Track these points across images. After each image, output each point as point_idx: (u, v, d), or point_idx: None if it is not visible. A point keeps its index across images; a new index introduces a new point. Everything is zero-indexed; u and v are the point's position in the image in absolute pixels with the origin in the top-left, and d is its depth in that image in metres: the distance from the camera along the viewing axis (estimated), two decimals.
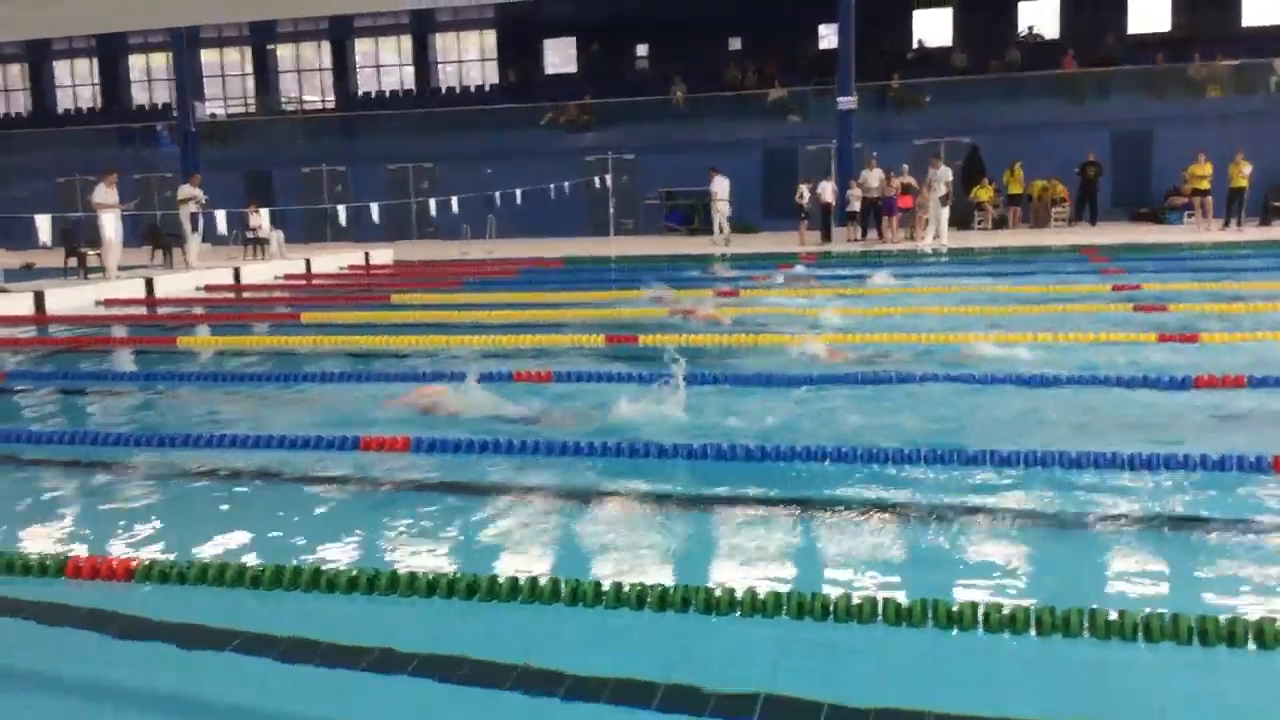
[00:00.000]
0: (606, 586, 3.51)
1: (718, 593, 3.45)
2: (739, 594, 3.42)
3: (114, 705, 3.35)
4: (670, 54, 33.53)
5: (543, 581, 3.56)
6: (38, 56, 38.25)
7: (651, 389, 7.89)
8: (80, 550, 4.59)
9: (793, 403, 7.38)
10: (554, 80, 34.83)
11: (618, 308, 13.58)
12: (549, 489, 5.52)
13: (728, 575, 4.21)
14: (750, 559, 4.44)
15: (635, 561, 4.42)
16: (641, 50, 35.11)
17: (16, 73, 39.33)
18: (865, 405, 7.15)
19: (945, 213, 22.66)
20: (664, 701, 3.09)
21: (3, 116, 39.11)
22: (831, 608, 3.36)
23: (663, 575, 4.25)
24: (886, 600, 3.39)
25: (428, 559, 4.49)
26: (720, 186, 25.00)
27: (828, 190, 24.85)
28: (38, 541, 4.86)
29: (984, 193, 26.58)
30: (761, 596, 3.41)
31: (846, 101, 26.12)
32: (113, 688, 3.44)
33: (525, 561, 4.49)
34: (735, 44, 33.93)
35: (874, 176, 24.25)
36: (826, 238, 24.65)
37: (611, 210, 26.01)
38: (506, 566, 4.36)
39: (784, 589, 3.54)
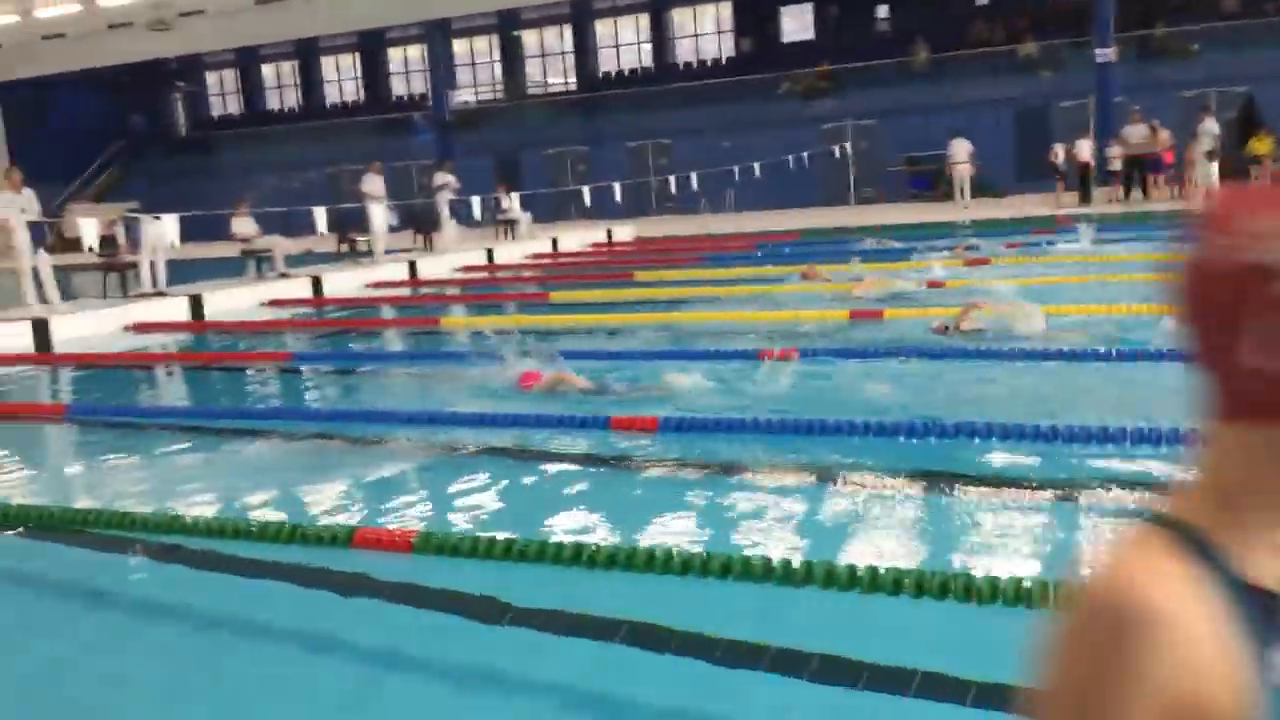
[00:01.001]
0: (862, 570, 3.51)
1: (980, 578, 3.38)
2: (1003, 582, 3.35)
3: (389, 669, 3.63)
4: (912, 14, 32.44)
5: (795, 562, 3.59)
6: (306, 54, 41.08)
7: (892, 364, 7.80)
8: (365, 522, 4.98)
9: (1045, 376, 7.10)
10: (791, 48, 34.43)
11: (859, 280, 13.36)
12: (795, 467, 5.53)
13: (982, 559, 4.12)
14: (1011, 542, 4.32)
15: (882, 543, 4.39)
16: (882, 12, 34.18)
17: (288, 70, 42.36)
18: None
19: (1214, 169, 21.01)
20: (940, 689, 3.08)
21: (277, 112, 42.27)
22: None
23: (909, 558, 4.20)
24: None
25: (677, 536, 4.61)
26: (959, 149, 24.16)
27: (1085, 149, 23.48)
28: (327, 514, 5.31)
29: (1261, 146, 24.41)
30: (1029, 585, 3.32)
31: (1104, 53, 24.60)
32: (390, 652, 3.73)
33: (769, 540, 4.54)
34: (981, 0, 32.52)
35: (1136, 132, 22.72)
36: (1085, 199, 23.35)
37: (852, 178, 25.56)
38: (753, 545, 4.42)
39: (1047, 579, 3.43)
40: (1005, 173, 27.63)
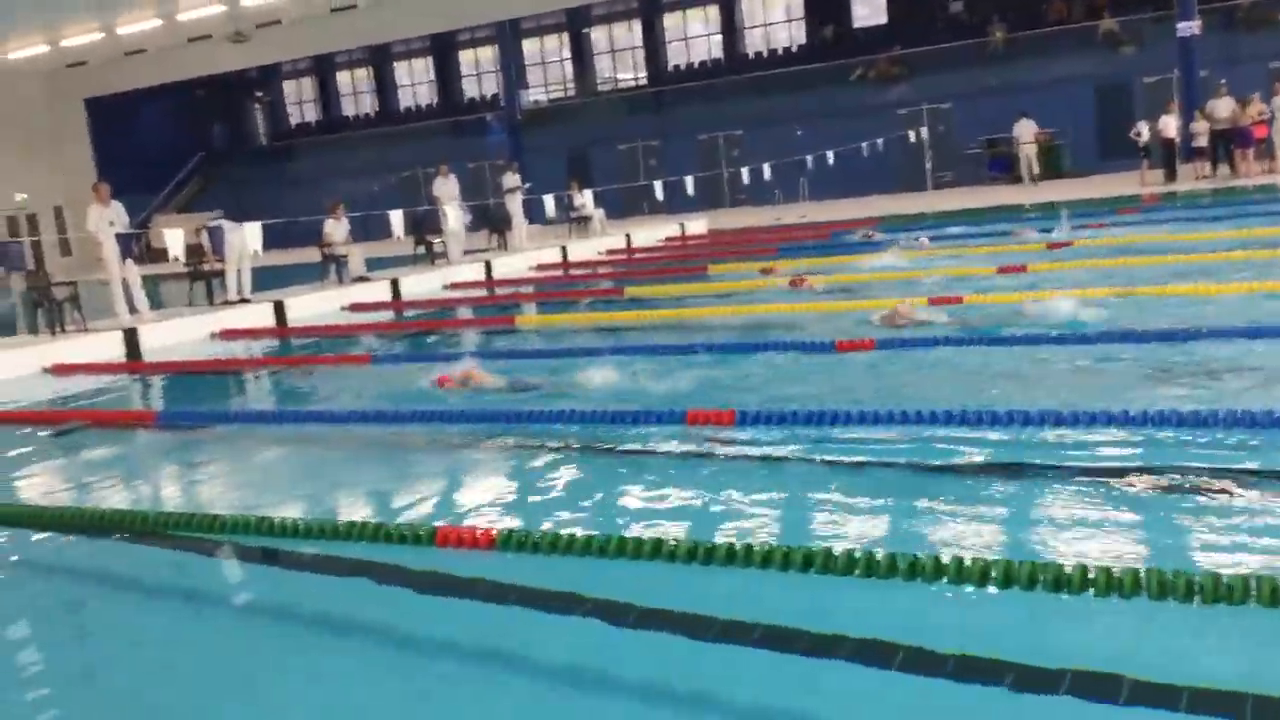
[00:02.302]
0: (947, 560, 3.44)
1: (1068, 569, 3.29)
2: (1092, 572, 3.25)
3: (472, 666, 3.65)
4: None
5: (879, 555, 3.53)
6: (380, 60, 41.67)
7: (977, 350, 7.66)
8: (447, 520, 5.03)
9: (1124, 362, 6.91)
10: (863, 34, 34.03)
11: (935, 266, 13.16)
12: (886, 460, 5.45)
13: (1075, 550, 4.01)
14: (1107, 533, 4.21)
15: (977, 537, 4.30)
16: None
17: (363, 76, 43.02)
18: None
19: None
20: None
21: (353, 118, 42.95)
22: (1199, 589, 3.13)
23: (1006, 551, 4.11)
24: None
25: (757, 531, 4.57)
26: (1025, 130, 23.81)
27: (1170, 125, 22.82)
28: (409, 512, 5.38)
29: None
30: (1118, 574, 3.23)
31: (1187, 26, 23.90)
32: (471, 648, 3.75)
33: (854, 533, 4.48)
34: None
35: (1223, 106, 22.04)
36: (1171, 176, 22.71)
37: (928, 164, 25.22)
38: (836, 539, 4.36)
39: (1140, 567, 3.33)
40: (1088, 152, 27.01)
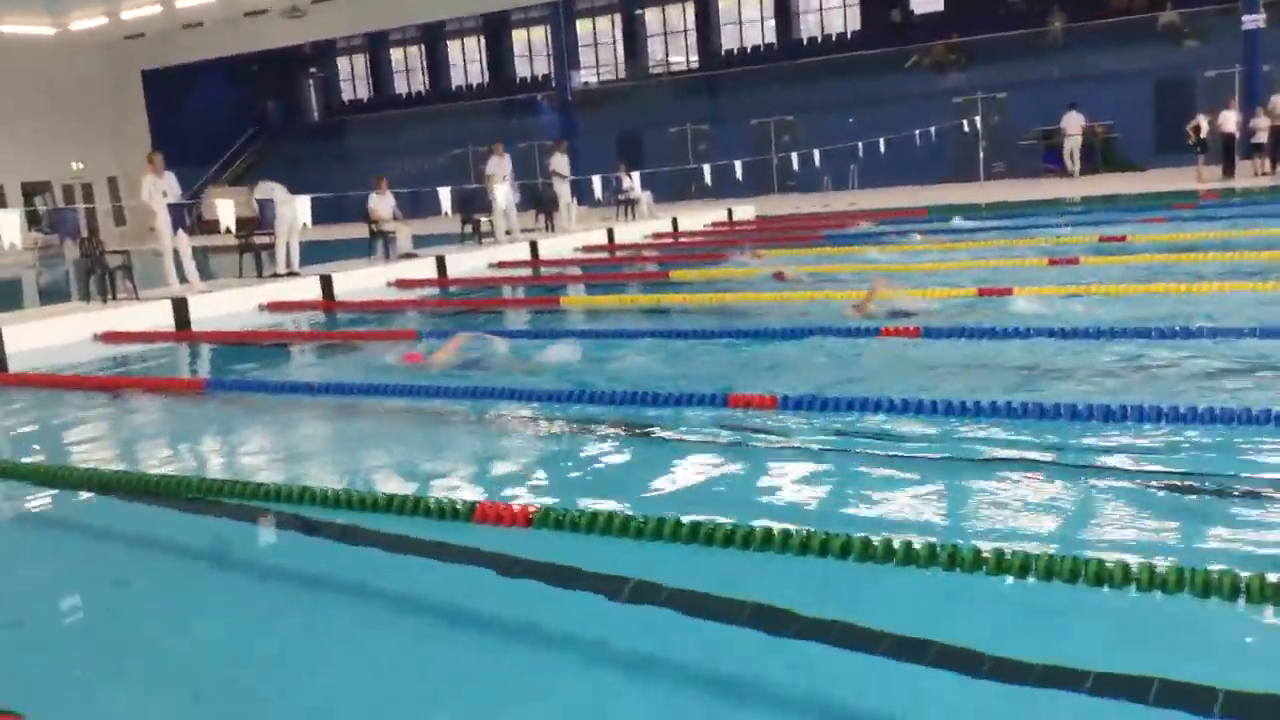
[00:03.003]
0: (987, 551, 3.40)
1: (1110, 564, 3.24)
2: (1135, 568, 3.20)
3: (509, 644, 3.66)
4: None
5: (918, 544, 3.50)
6: (433, 38, 41.80)
7: (1028, 344, 7.56)
8: (483, 496, 5.04)
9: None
10: (920, 21, 33.63)
11: (986, 258, 13.01)
12: (930, 450, 5.40)
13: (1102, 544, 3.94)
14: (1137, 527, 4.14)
15: (1015, 527, 4.24)
16: None
17: (415, 54, 43.18)
18: None
19: None
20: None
21: (405, 95, 43.15)
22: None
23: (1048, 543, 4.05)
24: None
25: (796, 516, 4.53)
26: (1072, 123, 23.55)
27: (1230, 120, 22.37)
28: (448, 487, 5.40)
29: None
30: (1161, 571, 3.17)
31: (1252, 20, 23.41)
32: (512, 626, 3.76)
33: (901, 522, 4.43)
34: None
35: None
36: (1229, 172, 22.28)
37: (981, 154, 24.93)
38: (879, 526, 4.32)
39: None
40: (1144, 146, 26.56)
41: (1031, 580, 3.31)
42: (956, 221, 17.44)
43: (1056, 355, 7.25)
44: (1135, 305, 8.71)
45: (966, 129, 26.72)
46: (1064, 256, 11.90)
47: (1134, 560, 3.30)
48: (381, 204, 17.27)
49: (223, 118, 40.48)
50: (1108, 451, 5.05)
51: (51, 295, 17.53)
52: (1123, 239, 13.44)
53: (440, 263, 16.66)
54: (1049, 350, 7.38)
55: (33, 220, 30.52)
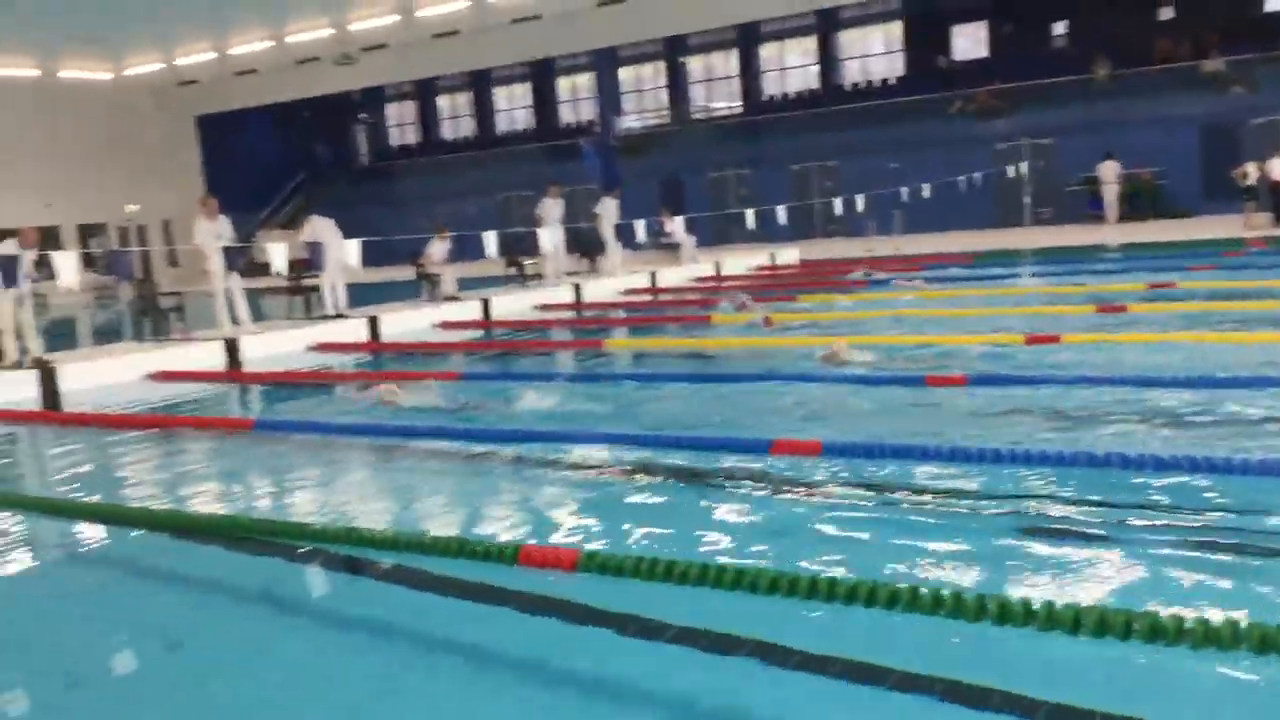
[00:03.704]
0: (1037, 605, 3.36)
1: (1164, 618, 3.19)
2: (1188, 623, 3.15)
3: (551, 684, 3.66)
4: (1092, 30, 31.28)
5: (968, 597, 3.46)
6: (480, 84, 42.43)
7: (1074, 392, 7.50)
8: (529, 539, 5.07)
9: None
10: (963, 67, 33.66)
11: (1031, 304, 12.93)
12: (975, 499, 5.36)
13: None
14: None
15: (1069, 582, 4.19)
16: (1059, 28, 33.08)
17: (463, 101, 43.83)
18: None
19: None
20: None
21: (452, 141, 43.75)
22: None
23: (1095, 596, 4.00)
24: None
25: (836, 566, 4.50)
26: (1108, 171, 23.52)
27: (1277, 168, 22.14)
28: (490, 529, 5.43)
29: None
30: (1217, 626, 3.12)
31: None
32: (554, 670, 3.76)
33: (942, 572, 4.39)
34: (1167, 14, 31.05)
35: None
36: (1279, 220, 22.01)
37: (1026, 200, 24.82)
38: (925, 576, 4.29)
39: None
40: (1192, 192, 26.33)
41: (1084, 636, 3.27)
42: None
43: (1104, 403, 7.18)
44: (1184, 353, 8.62)
45: (1011, 175, 26.64)
46: (1112, 304, 11.80)
47: (1189, 614, 3.25)
48: (439, 249, 17.66)
49: (273, 162, 41.23)
50: (1158, 502, 4.98)
51: (106, 335, 17.88)
52: (1171, 285, 13.31)
53: (485, 305, 16.81)
54: (1096, 398, 7.31)
55: (88, 262, 31.16)
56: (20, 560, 5.75)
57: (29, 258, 11.80)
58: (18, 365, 11.46)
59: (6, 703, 3.81)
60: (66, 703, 3.80)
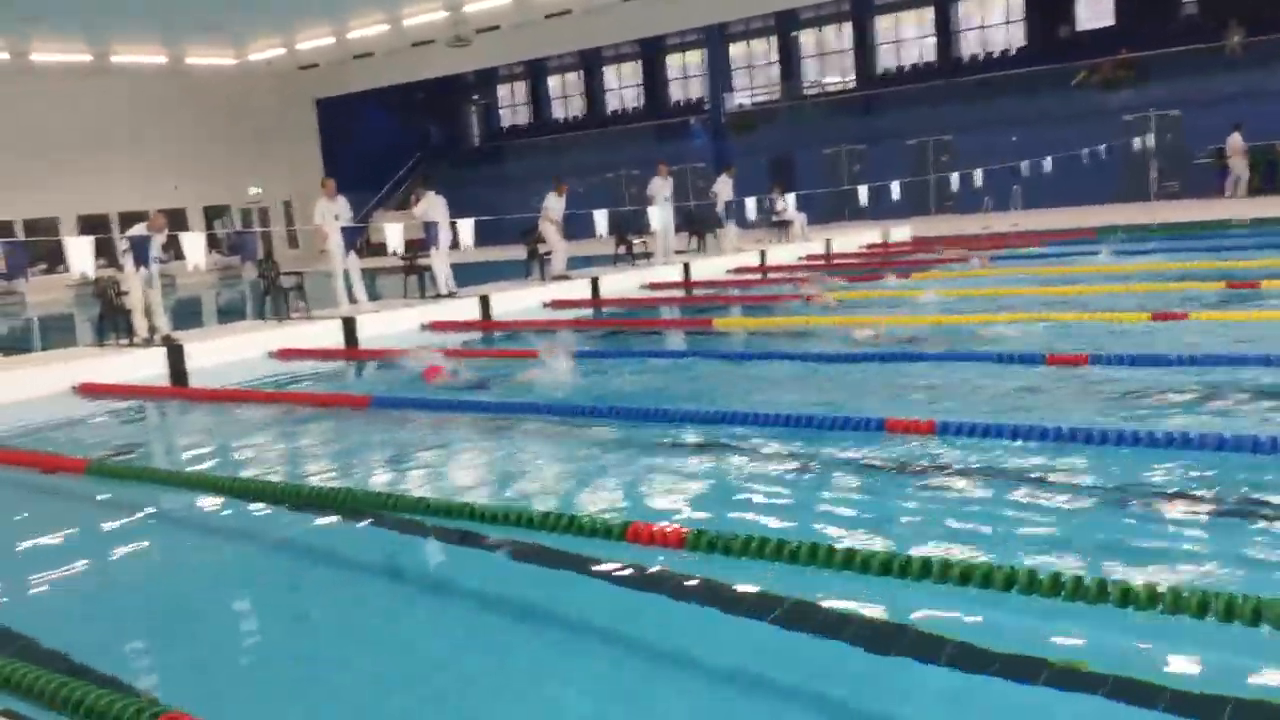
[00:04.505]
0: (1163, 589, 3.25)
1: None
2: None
3: (658, 663, 3.67)
4: None
5: (1088, 580, 3.37)
6: (590, 64, 42.56)
7: (1202, 371, 7.22)
8: (636, 515, 5.08)
9: None
10: (1087, 36, 32.48)
11: (1161, 281, 12.46)
12: (1092, 481, 5.19)
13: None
14: None
15: (1183, 565, 4.04)
16: None
17: (573, 80, 44.02)
18: None
19: None
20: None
21: (562, 120, 44.02)
22: None
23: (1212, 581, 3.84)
24: None
25: (945, 543, 4.41)
26: (1233, 144, 22.52)
27: None
28: (599, 506, 5.46)
29: None
30: None
31: None
32: (659, 645, 3.77)
33: (1061, 554, 4.27)
34: None
35: None
36: None
37: (1153, 173, 23.88)
38: (1025, 556, 4.17)
39: None
40: None
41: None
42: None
43: (1233, 382, 6.89)
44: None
45: (1137, 147, 25.67)
46: (1243, 280, 11.30)
47: None
48: (556, 206, 17.48)
49: (389, 143, 42.04)
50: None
51: (230, 314, 18.51)
52: None
53: (594, 283, 16.90)
54: (1224, 377, 7.02)
55: (213, 243, 32.29)
56: (149, 532, 5.99)
57: (158, 240, 12.27)
58: (148, 343, 11.95)
59: (148, 669, 3.98)
60: (209, 664, 3.95)
